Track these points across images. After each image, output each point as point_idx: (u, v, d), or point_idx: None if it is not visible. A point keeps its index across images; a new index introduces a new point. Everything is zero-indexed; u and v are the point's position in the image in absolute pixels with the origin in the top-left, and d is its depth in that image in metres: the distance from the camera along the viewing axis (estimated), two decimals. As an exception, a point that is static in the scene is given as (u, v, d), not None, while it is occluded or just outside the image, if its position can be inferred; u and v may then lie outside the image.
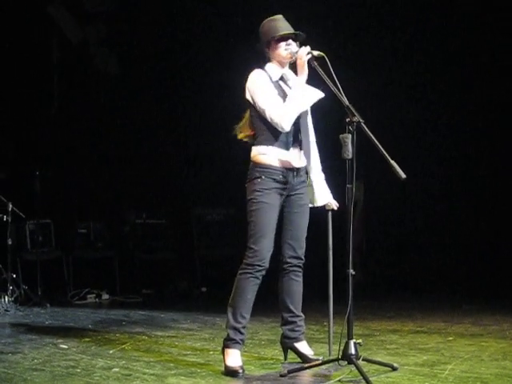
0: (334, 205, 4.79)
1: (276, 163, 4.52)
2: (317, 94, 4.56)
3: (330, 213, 4.84)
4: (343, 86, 4.28)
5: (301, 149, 4.58)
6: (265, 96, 4.49)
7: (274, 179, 4.51)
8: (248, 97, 4.59)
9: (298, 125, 4.55)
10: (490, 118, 9.13)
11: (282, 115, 4.44)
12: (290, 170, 4.55)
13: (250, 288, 4.48)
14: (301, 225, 4.66)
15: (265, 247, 4.48)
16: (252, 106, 4.58)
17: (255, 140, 4.60)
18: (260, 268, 4.47)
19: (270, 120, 4.47)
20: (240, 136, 4.71)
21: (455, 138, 9.41)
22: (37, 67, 9.52)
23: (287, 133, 4.51)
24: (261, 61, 4.63)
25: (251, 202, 4.52)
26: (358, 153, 4.18)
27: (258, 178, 4.51)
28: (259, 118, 4.55)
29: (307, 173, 4.70)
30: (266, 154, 4.52)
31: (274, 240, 4.53)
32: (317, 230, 4.81)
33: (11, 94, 9.30)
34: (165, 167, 10.26)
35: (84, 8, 9.76)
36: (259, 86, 4.53)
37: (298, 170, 4.59)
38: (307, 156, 4.62)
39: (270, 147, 4.52)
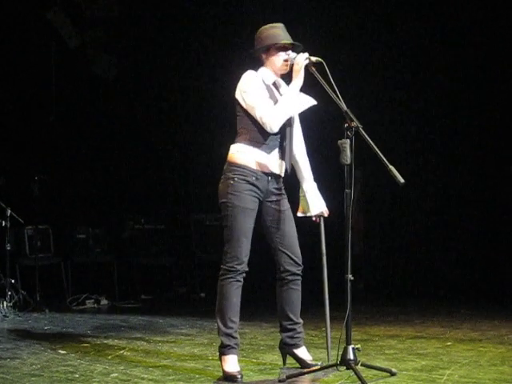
0: (326, 212, 4.77)
1: (252, 164, 4.45)
2: (309, 102, 4.56)
3: (321, 219, 4.80)
4: (342, 92, 4.28)
5: (282, 157, 4.53)
6: (256, 95, 4.45)
7: (248, 181, 4.43)
8: (237, 95, 4.53)
9: (284, 132, 4.51)
10: (491, 120, 9.13)
11: (273, 115, 4.39)
12: (265, 174, 4.50)
13: (234, 291, 4.45)
14: (289, 231, 4.60)
15: (242, 252, 4.44)
16: (239, 105, 4.53)
17: (236, 138, 4.55)
18: (240, 271, 4.45)
19: (259, 119, 4.42)
20: None
21: (454, 142, 9.41)
22: (35, 72, 9.53)
23: (271, 137, 4.47)
24: (256, 65, 4.61)
25: (225, 205, 4.45)
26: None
27: (231, 179, 4.44)
28: (246, 116, 4.49)
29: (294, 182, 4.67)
30: (243, 153, 4.46)
31: (251, 243, 4.48)
32: (314, 234, 4.80)
33: (10, 99, 9.31)
34: (164, 173, 10.27)
35: (83, 13, 9.77)
36: (251, 84, 4.48)
37: (275, 176, 4.54)
38: (288, 164, 4.56)
39: (250, 147, 4.47)
